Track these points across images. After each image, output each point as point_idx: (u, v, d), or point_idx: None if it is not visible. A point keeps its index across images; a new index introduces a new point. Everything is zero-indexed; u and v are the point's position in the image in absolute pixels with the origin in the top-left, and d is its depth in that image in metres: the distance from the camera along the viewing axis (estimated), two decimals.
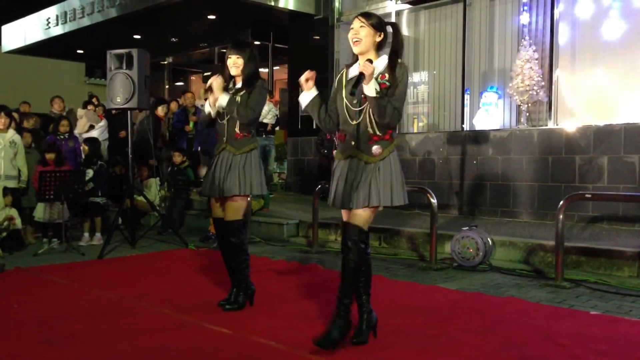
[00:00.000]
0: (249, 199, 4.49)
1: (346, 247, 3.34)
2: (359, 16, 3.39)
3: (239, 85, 4.25)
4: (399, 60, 3.34)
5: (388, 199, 3.31)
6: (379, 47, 3.40)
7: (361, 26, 3.34)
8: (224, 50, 4.49)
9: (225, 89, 4.21)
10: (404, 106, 3.34)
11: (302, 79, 3.48)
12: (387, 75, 3.31)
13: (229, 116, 4.19)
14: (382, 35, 3.37)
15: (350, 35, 3.37)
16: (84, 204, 7.58)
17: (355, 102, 3.36)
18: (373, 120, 3.32)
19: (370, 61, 3.26)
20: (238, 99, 4.15)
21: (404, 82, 3.32)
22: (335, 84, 3.53)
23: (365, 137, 3.34)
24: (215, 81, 4.17)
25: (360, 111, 3.35)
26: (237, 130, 4.18)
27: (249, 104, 4.13)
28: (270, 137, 10.23)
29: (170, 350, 3.41)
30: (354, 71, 3.41)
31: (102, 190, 7.88)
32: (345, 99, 3.39)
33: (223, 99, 4.14)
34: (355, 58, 3.46)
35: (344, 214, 3.48)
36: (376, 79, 3.27)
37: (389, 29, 3.41)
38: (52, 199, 6.94)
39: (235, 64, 4.18)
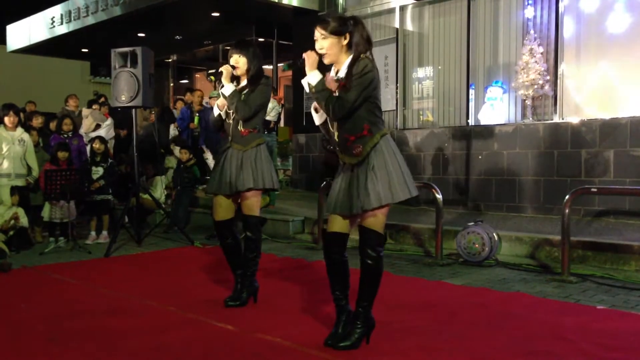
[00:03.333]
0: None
1: (367, 255, 3.21)
2: (317, 26, 3.23)
3: (243, 83, 4.23)
4: (362, 56, 3.16)
5: (389, 196, 3.14)
6: (350, 47, 3.20)
7: (323, 37, 3.20)
8: (229, 48, 4.46)
9: (232, 79, 4.20)
10: (359, 97, 3.10)
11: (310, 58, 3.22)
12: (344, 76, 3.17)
13: (234, 115, 4.19)
14: (347, 37, 3.19)
15: (316, 48, 3.23)
16: (94, 202, 7.60)
17: None
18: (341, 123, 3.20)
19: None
20: (242, 97, 4.15)
21: (364, 76, 3.10)
22: None
23: (342, 139, 3.24)
24: (225, 69, 4.16)
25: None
26: (241, 128, 4.19)
27: (247, 102, 4.13)
28: (272, 134, 10.22)
29: (176, 347, 3.42)
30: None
31: (112, 188, 7.91)
32: None
33: (227, 89, 4.14)
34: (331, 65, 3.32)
35: (338, 222, 3.30)
36: (337, 81, 3.17)
37: (351, 24, 3.21)
38: (58, 198, 6.97)
39: (236, 62, 4.16)
